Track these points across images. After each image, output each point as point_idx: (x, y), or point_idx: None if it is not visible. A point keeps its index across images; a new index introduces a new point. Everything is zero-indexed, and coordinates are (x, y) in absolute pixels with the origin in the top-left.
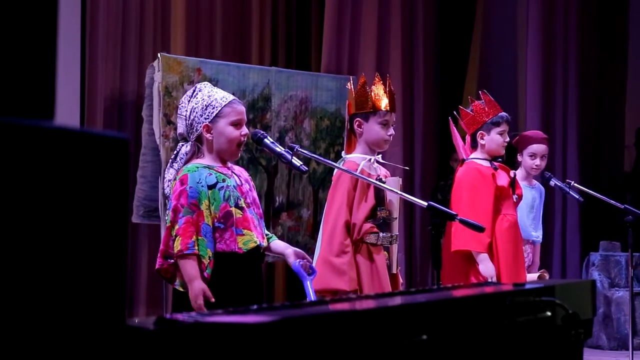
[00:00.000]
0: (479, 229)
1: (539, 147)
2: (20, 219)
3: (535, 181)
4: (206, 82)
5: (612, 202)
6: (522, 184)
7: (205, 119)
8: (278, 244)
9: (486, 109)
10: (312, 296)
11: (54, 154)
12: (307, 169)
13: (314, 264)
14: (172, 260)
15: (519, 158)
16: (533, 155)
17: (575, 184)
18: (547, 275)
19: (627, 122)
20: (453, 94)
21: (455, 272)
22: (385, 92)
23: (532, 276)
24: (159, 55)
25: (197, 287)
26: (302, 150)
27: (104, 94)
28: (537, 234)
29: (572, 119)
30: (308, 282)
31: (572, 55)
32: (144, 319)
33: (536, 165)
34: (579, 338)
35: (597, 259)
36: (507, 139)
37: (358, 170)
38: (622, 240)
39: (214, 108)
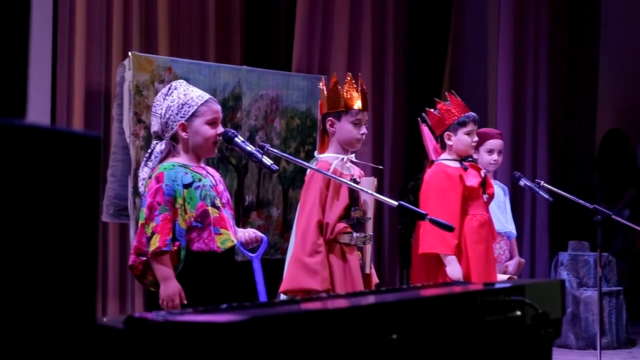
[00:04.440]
0: (449, 228)
1: (496, 142)
2: None
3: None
4: (181, 80)
5: (581, 202)
6: None
7: (181, 117)
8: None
9: (452, 109)
10: (260, 275)
11: (24, 152)
12: (277, 168)
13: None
14: (145, 258)
15: (474, 155)
16: (491, 151)
17: (545, 184)
18: (522, 261)
19: (598, 122)
20: (424, 94)
21: (425, 272)
22: (357, 91)
23: (502, 277)
24: (129, 53)
25: (175, 287)
26: (273, 150)
27: (75, 93)
28: (511, 227)
29: (542, 119)
30: (257, 262)
31: (543, 56)
32: (114, 317)
33: (494, 161)
34: (548, 337)
35: (566, 258)
36: (476, 139)
37: (330, 170)
38: (591, 240)
39: (189, 107)
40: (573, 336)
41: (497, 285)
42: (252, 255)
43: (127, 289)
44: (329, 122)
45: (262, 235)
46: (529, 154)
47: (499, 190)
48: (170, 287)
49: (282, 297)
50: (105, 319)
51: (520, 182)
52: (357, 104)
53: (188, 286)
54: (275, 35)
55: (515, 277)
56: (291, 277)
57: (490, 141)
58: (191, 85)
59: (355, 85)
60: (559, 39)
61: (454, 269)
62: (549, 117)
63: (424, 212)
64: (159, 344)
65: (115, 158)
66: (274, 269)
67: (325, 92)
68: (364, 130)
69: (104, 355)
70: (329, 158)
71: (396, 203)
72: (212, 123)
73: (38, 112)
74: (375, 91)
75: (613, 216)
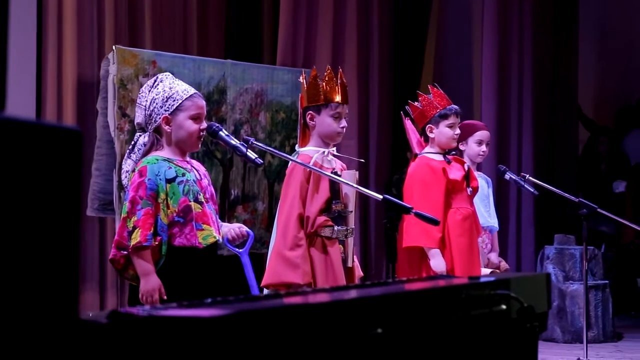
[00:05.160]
0: (434, 222)
1: (485, 134)
2: None
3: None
4: (167, 73)
5: (567, 195)
6: None
7: (165, 110)
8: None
9: (434, 102)
10: (250, 270)
11: (5, 145)
12: (262, 161)
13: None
14: (126, 252)
15: (461, 147)
16: (480, 142)
17: (530, 178)
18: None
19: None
20: (408, 88)
21: (410, 265)
22: (336, 84)
23: (485, 271)
24: (114, 47)
25: (155, 282)
26: (257, 143)
27: (59, 86)
28: (494, 221)
29: (527, 112)
30: (246, 257)
31: (527, 48)
32: (98, 312)
33: (482, 152)
34: (534, 331)
35: (552, 252)
36: (458, 132)
37: (311, 163)
38: (577, 233)
39: (174, 100)
40: (559, 330)
41: (482, 279)
42: (240, 251)
43: (125, 282)
44: (309, 116)
45: (248, 230)
46: (514, 148)
47: (483, 183)
48: (150, 282)
49: (265, 291)
50: (90, 314)
51: (506, 175)
52: (337, 98)
53: (169, 281)
54: (259, 28)
55: (503, 266)
56: (273, 271)
57: (480, 132)
58: (177, 79)
59: (335, 79)
60: (543, 32)
61: (438, 262)
62: (534, 111)
63: (410, 206)
64: (143, 338)
65: (100, 152)
66: (260, 263)
67: (305, 86)
68: (344, 123)
69: (87, 350)
70: (310, 152)
71: (381, 197)
72: (196, 118)
73: (24, 105)
74: (361, 85)
75: (599, 209)
